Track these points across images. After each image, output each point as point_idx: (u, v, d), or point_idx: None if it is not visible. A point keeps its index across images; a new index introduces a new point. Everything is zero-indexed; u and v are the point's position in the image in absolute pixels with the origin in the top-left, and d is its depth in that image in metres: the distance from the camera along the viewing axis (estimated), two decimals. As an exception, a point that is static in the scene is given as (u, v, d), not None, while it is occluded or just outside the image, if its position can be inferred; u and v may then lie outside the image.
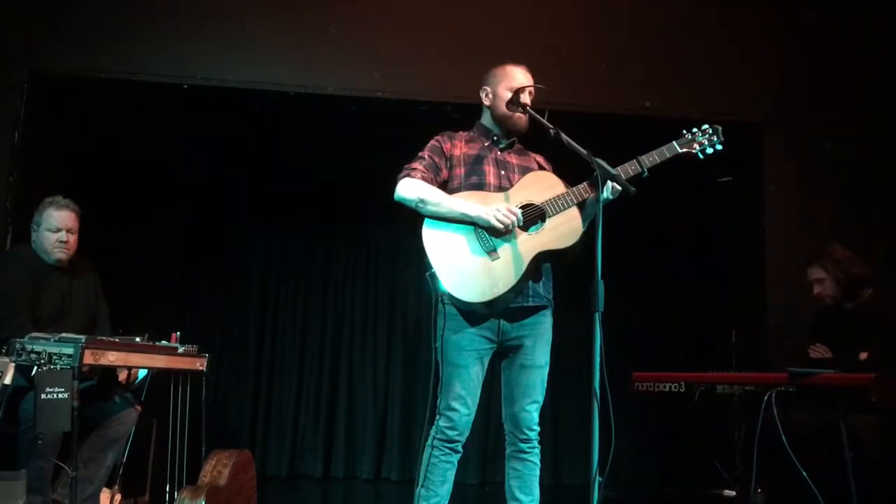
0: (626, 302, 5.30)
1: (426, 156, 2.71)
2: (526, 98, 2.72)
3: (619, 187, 2.48)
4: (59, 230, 3.35)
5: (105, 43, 4.09)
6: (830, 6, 4.51)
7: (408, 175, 2.64)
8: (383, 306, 5.53)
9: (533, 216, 2.60)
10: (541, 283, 2.66)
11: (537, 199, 2.61)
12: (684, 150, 2.69)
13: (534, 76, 2.78)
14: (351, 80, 4.23)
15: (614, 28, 4.41)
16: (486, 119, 2.83)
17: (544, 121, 2.61)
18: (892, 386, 2.96)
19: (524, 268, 2.53)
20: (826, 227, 4.18)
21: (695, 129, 2.72)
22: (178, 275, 5.31)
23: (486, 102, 2.79)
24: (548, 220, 2.59)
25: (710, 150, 2.73)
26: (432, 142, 2.76)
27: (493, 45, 4.23)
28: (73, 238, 3.41)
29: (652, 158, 2.64)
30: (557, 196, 2.60)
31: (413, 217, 2.63)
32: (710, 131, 2.73)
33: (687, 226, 5.04)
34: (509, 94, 2.69)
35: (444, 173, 2.71)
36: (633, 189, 2.49)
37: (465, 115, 2.99)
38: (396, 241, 5.37)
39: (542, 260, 2.61)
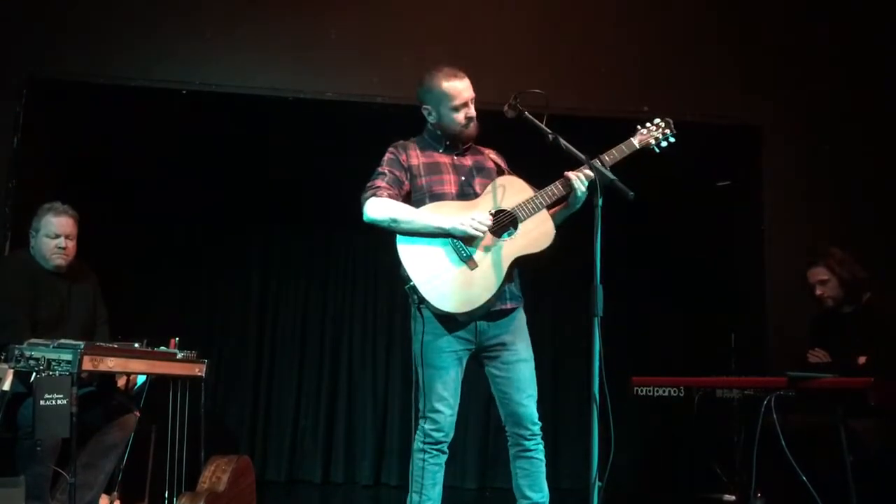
0: (626, 306, 5.29)
1: (387, 171, 2.68)
2: (472, 111, 2.69)
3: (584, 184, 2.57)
4: (57, 236, 3.35)
5: (104, 48, 4.10)
6: (829, 9, 4.52)
7: (373, 195, 2.61)
8: (383, 310, 5.51)
9: (505, 222, 2.60)
10: (514, 283, 2.68)
11: (507, 204, 2.61)
12: (642, 145, 2.74)
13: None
14: (350, 85, 4.24)
15: (613, 32, 4.41)
16: (433, 128, 2.78)
17: (542, 126, 2.61)
18: (891, 389, 2.96)
19: (503, 275, 2.54)
20: (825, 230, 4.18)
21: (648, 124, 2.78)
22: (177, 280, 5.31)
23: (431, 120, 2.74)
24: (520, 226, 2.59)
25: (664, 144, 2.78)
26: (388, 154, 2.73)
27: (491, 49, 4.24)
28: (71, 244, 3.40)
29: (612, 156, 2.65)
30: (527, 200, 2.60)
31: (384, 231, 2.62)
32: (663, 125, 2.79)
33: (686, 229, 5.04)
34: (455, 113, 2.67)
35: (407, 185, 2.69)
36: (632, 194, 2.49)
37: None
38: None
39: (518, 265, 2.62)
